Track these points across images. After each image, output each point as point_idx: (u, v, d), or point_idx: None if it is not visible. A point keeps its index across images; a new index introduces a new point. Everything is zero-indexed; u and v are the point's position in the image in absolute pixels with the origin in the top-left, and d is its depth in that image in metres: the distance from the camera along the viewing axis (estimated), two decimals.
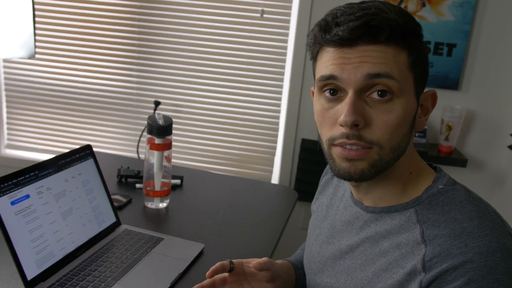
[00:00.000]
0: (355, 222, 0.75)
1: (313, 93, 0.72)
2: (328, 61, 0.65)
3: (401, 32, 0.63)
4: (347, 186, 0.81)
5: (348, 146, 0.64)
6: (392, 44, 0.63)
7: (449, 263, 0.60)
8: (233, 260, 0.81)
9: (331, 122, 0.66)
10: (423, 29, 0.67)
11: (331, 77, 0.64)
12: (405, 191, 0.70)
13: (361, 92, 0.63)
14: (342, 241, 0.76)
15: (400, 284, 0.64)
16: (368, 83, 0.63)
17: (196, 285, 0.78)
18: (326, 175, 0.92)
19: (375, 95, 0.63)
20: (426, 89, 0.70)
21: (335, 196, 0.85)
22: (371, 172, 0.66)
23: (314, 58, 0.70)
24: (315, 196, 0.94)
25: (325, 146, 0.68)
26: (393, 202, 0.70)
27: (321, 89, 0.67)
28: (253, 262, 0.80)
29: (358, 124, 0.63)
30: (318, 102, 0.69)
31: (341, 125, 0.64)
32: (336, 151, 0.66)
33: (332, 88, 0.66)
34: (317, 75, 0.68)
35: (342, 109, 0.64)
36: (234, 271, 0.81)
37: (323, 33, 0.65)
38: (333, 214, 0.82)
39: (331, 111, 0.66)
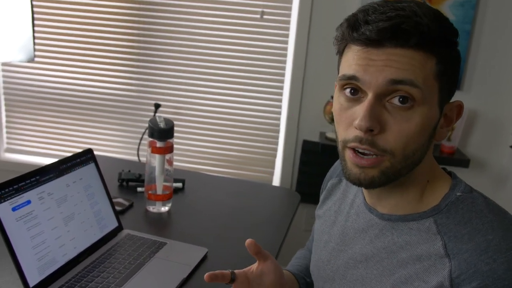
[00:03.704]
0: (369, 230, 0.72)
1: (336, 87, 0.70)
2: (352, 60, 0.63)
3: (432, 39, 0.59)
4: (357, 191, 0.79)
5: (360, 150, 0.63)
6: (421, 50, 0.59)
7: (479, 281, 0.58)
8: (235, 271, 0.77)
9: (347, 123, 0.64)
10: (456, 38, 0.64)
11: (353, 77, 0.62)
12: (422, 199, 0.68)
13: (382, 96, 0.61)
14: (355, 249, 0.74)
15: None
16: (390, 88, 0.60)
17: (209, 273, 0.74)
18: (332, 179, 0.89)
19: (395, 101, 0.61)
20: (452, 99, 0.67)
21: (344, 202, 0.82)
22: (381, 180, 0.64)
23: (340, 53, 0.67)
24: (321, 201, 0.91)
25: (339, 146, 0.67)
26: (410, 210, 0.68)
27: (342, 87, 0.65)
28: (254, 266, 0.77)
29: (373, 130, 0.61)
30: (338, 100, 0.66)
31: (356, 128, 0.62)
32: (349, 155, 0.64)
33: (353, 87, 0.63)
34: (340, 73, 0.65)
35: (359, 112, 0.61)
36: (238, 281, 0.77)
37: (351, 30, 0.62)
38: (343, 220, 0.79)
39: (348, 111, 0.64)
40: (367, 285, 0.70)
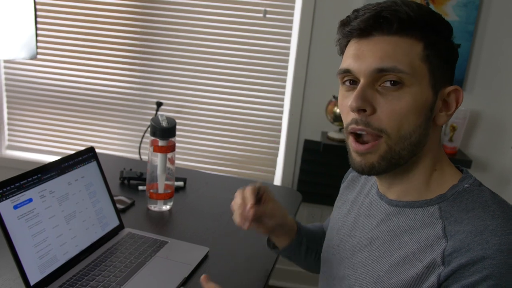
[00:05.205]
0: (377, 215, 0.76)
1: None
2: (347, 53, 0.70)
3: (414, 24, 0.65)
4: (374, 183, 0.82)
5: (358, 133, 0.68)
6: (405, 36, 0.65)
7: (468, 258, 0.60)
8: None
9: (347, 110, 0.70)
10: (449, 30, 0.70)
11: (347, 70, 0.69)
12: (429, 187, 0.71)
13: (374, 82, 0.67)
14: (363, 233, 0.77)
15: (419, 277, 0.65)
16: (378, 75, 0.66)
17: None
18: (353, 172, 0.93)
19: (387, 84, 0.66)
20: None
21: (361, 193, 0.86)
22: (381, 165, 0.68)
23: (342, 52, 0.74)
24: (340, 192, 0.95)
25: (345, 134, 0.72)
26: (416, 197, 0.71)
27: (342, 80, 0.72)
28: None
29: (366, 110, 0.66)
30: (340, 92, 0.73)
31: (350, 111, 0.68)
32: (350, 143, 0.70)
33: (351, 79, 0.70)
34: (339, 67, 0.72)
35: (352, 96, 0.68)
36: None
37: (344, 27, 0.70)
38: (357, 209, 0.83)
39: (347, 99, 0.70)
40: (368, 267, 0.73)
